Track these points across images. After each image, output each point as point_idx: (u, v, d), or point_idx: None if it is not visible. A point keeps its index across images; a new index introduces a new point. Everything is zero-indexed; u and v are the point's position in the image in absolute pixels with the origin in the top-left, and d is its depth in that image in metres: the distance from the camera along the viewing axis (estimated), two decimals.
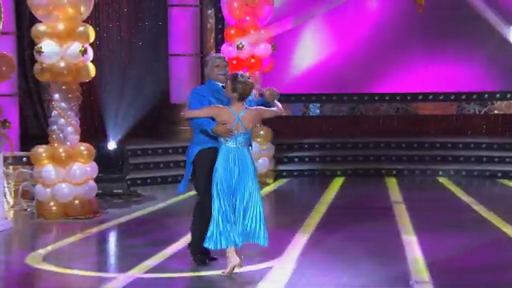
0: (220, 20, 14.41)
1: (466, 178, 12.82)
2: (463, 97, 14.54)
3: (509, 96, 14.40)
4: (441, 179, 12.76)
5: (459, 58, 14.22)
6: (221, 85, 6.70)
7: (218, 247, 6.48)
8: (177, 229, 8.83)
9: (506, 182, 12.40)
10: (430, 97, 14.62)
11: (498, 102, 14.55)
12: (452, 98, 14.58)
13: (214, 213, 6.46)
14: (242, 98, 6.50)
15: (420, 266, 6.72)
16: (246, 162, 6.53)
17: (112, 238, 8.83)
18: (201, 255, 6.82)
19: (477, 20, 12.23)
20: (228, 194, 6.48)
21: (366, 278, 6.41)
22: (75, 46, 9.24)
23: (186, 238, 8.06)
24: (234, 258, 6.48)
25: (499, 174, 12.76)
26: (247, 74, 6.71)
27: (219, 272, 6.55)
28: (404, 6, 13.77)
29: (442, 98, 14.59)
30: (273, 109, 6.71)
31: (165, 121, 14.55)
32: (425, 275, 6.43)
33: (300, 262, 6.87)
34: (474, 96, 14.51)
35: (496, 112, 14.61)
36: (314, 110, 15.00)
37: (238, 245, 6.49)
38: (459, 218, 9.43)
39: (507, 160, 13.00)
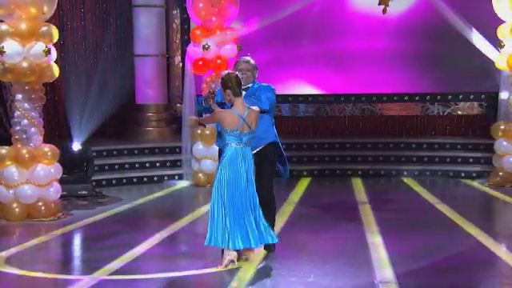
0: (186, 20, 14.38)
1: (430, 178, 12.96)
2: (427, 97, 14.70)
3: (472, 97, 14.58)
4: (405, 179, 12.87)
5: (424, 60, 14.35)
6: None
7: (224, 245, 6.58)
8: (143, 230, 8.77)
9: (468, 181, 12.55)
10: (395, 98, 14.76)
11: (461, 103, 14.72)
12: (416, 98, 14.72)
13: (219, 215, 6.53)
14: (236, 92, 6.48)
15: (384, 266, 6.76)
16: (250, 162, 6.58)
17: (77, 240, 8.73)
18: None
19: (442, 23, 12.35)
20: (238, 197, 6.50)
21: (332, 277, 6.44)
22: (38, 46, 9.14)
23: (153, 239, 8.05)
24: (231, 253, 6.59)
25: (462, 174, 12.91)
26: (228, 71, 6.71)
27: (185, 273, 6.54)
28: (369, 8, 13.86)
29: (406, 98, 14.73)
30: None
31: (130, 121, 14.47)
32: (389, 275, 6.48)
33: (267, 262, 6.87)
34: (438, 97, 14.68)
35: (459, 113, 14.78)
36: (282, 110, 15.00)
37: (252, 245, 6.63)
38: (423, 217, 9.52)
39: (470, 160, 13.16)
